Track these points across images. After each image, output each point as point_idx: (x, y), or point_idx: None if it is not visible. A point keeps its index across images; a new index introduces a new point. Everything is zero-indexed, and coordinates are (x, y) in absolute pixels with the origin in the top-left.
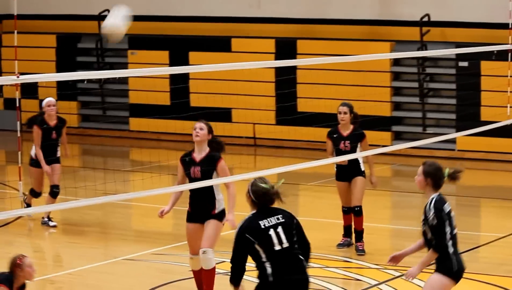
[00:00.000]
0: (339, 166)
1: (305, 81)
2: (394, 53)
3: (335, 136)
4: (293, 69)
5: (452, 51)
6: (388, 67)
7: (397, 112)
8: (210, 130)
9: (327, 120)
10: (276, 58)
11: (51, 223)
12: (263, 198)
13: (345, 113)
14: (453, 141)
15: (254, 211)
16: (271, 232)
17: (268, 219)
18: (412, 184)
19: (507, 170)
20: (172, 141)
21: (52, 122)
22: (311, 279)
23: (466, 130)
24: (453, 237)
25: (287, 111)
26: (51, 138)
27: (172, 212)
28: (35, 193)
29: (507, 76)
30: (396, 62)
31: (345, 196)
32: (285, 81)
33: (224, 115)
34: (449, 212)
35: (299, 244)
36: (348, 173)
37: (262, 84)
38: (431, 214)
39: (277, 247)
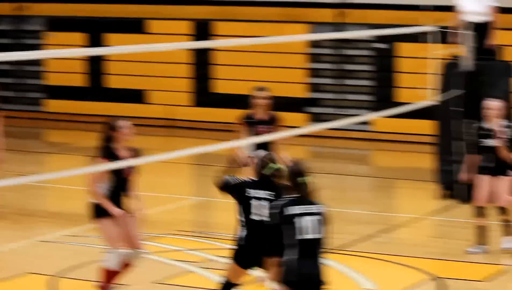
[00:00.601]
0: (256, 151)
1: (221, 63)
2: (311, 34)
3: (251, 120)
4: (209, 50)
5: (369, 33)
6: (304, 49)
7: (313, 93)
8: None
9: (243, 101)
10: (192, 40)
11: None
12: (268, 173)
13: (265, 97)
14: (369, 122)
15: (255, 179)
16: (253, 201)
17: (259, 191)
18: (328, 165)
19: (423, 152)
20: (87, 122)
21: None
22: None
23: (383, 112)
24: (296, 244)
25: (203, 92)
26: None
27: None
28: None
29: (423, 58)
30: (313, 44)
31: None
32: (201, 63)
33: (140, 96)
34: (294, 215)
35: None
36: None
37: (178, 66)
38: None
39: (254, 217)
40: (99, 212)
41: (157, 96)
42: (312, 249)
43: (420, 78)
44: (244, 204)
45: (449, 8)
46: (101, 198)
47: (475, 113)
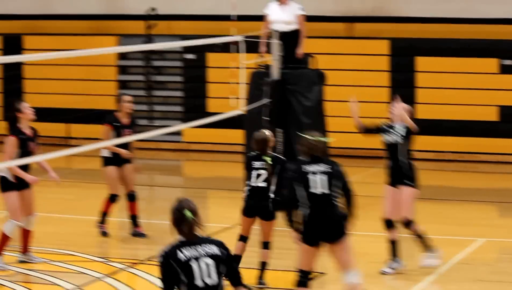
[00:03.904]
0: (113, 153)
1: (32, 77)
2: (120, 47)
3: (116, 124)
4: (19, 65)
5: (178, 44)
6: (114, 61)
7: None
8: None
9: (54, 114)
10: (3, 54)
11: None
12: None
13: (131, 102)
14: (179, 133)
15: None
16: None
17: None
18: (139, 177)
19: (232, 161)
20: None
21: None
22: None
23: (192, 122)
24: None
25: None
26: None
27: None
28: None
29: (231, 67)
30: (122, 56)
31: (117, 182)
32: (12, 77)
33: None
34: (186, 262)
35: None
36: (120, 159)
37: None
38: None
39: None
40: (6, 185)
41: None
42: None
43: (229, 88)
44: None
45: (257, 18)
46: (16, 169)
47: (283, 122)
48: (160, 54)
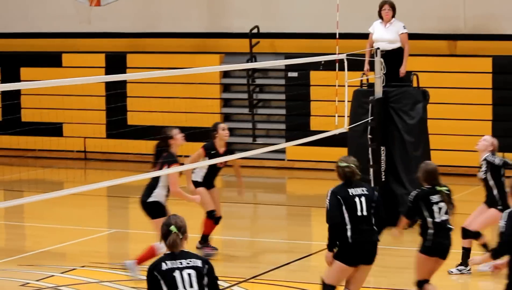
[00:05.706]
0: (207, 177)
1: (135, 95)
2: (224, 65)
3: (213, 152)
4: (123, 83)
5: (281, 62)
6: (218, 79)
7: (227, 123)
8: None
9: (158, 133)
10: (107, 73)
11: None
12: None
13: (226, 129)
14: (283, 151)
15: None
16: (356, 199)
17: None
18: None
19: (336, 179)
20: (4, 156)
21: None
22: None
23: (296, 140)
24: None
25: (117, 124)
26: None
27: (4, 227)
28: None
29: (335, 85)
30: (226, 74)
31: (212, 201)
32: (116, 95)
33: (55, 130)
34: (169, 272)
35: None
36: (209, 183)
37: (92, 98)
38: None
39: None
40: (159, 211)
41: (73, 129)
42: None
43: (333, 106)
44: (350, 205)
45: (360, 36)
46: (183, 194)
47: (386, 140)
48: (264, 72)
